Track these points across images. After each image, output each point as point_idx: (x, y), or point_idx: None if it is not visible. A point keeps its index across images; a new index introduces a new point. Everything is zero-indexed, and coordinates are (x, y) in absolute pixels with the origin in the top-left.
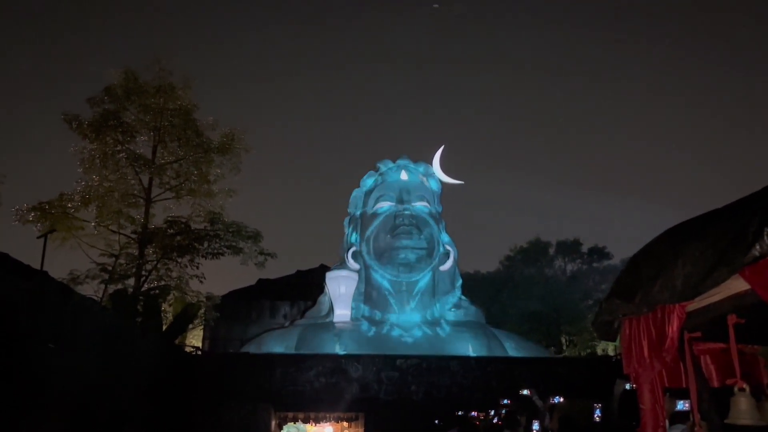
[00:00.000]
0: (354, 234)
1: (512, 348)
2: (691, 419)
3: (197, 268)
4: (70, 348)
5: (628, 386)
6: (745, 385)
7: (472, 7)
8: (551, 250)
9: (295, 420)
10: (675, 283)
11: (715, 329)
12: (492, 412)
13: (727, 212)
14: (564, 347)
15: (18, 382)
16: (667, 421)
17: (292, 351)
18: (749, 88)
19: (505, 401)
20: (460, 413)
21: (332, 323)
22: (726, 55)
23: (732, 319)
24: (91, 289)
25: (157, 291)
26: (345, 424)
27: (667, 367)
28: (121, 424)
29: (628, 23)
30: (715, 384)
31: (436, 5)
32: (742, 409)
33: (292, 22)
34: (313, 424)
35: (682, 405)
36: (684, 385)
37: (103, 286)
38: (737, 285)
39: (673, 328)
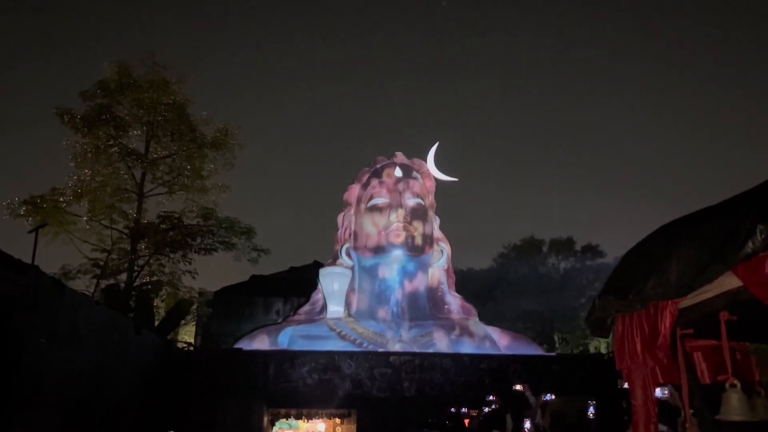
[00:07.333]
0: (348, 230)
1: (505, 345)
2: (683, 415)
3: (190, 263)
4: (65, 343)
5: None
6: (736, 382)
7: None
8: (545, 248)
9: (287, 416)
10: (668, 279)
11: (707, 326)
12: (485, 409)
13: (721, 210)
14: (557, 345)
15: (12, 377)
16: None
17: (285, 347)
18: (744, 86)
19: (491, 398)
20: (452, 410)
21: (325, 320)
22: (721, 54)
23: (724, 316)
24: (82, 285)
25: (149, 286)
26: (337, 420)
27: (659, 364)
28: (115, 420)
29: (623, 23)
30: (707, 380)
31: (444, 2)
32: (734, 405)
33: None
34: (306, 421)
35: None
36: (677, 382)
37: (95, 281)
38: (730, 282)
39: (665, 324)
